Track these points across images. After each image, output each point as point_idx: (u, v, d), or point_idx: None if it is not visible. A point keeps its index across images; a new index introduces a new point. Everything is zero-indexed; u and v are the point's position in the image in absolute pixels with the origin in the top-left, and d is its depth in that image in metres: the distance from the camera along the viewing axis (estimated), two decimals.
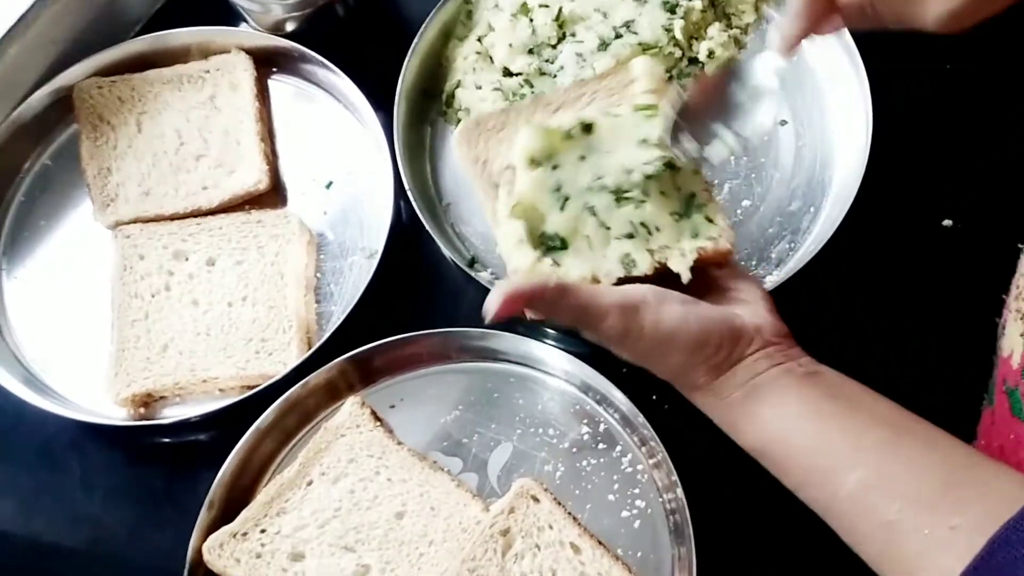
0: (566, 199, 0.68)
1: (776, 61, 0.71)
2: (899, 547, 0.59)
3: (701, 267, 0.69)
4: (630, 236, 0.68)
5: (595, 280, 0.67)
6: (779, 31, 0.70)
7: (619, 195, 0.68)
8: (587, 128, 0.71)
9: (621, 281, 0.67)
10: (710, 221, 0.70)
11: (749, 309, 0.67)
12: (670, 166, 0.69)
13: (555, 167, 0.70)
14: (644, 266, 0.67)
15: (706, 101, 0.71)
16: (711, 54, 1.01)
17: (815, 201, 0.97)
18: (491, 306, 0.62)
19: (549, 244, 0.68)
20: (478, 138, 0.71)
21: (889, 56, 0.95)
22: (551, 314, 0.64)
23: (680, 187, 0.70)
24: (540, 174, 0.69)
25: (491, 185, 0.70)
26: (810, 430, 0.64)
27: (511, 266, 0.68)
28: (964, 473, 0.60)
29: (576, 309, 0.63)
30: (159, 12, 1.16)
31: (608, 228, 0.68)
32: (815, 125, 1.01)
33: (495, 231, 0.70)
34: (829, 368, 0.67)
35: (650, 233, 0.68)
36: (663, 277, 0.68)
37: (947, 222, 0.97)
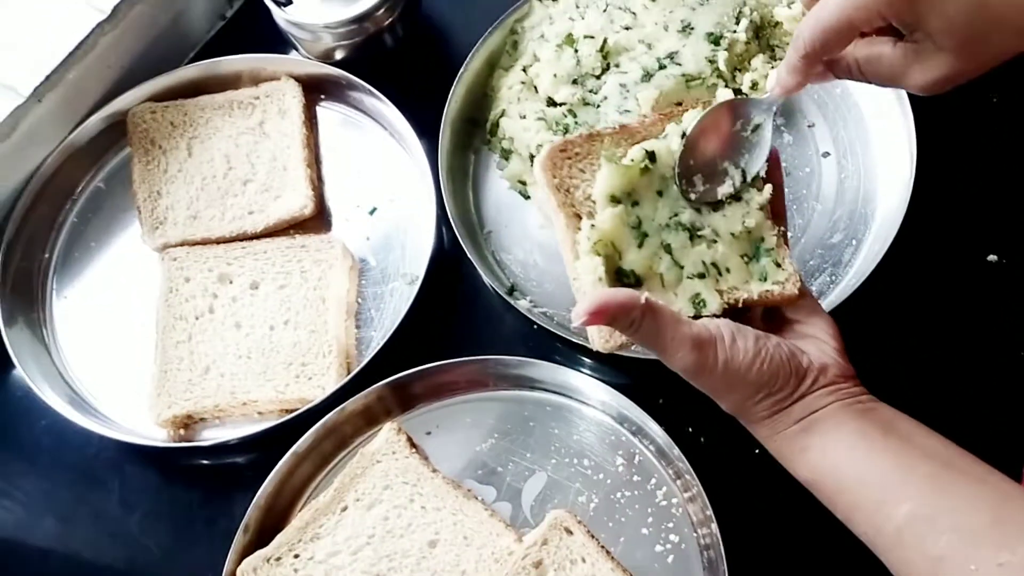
0: (644, 236, 0.69)
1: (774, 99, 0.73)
2: None
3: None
4: (701, 276, 0.69)
5: None
6: (776, 79, 0.72)
7: (693, 233, 0.69)
8: (651, 156, 0.71)
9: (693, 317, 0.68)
10: (778, 266, 0.70)
11: (817, 347, 0.69)
12: (735, 197, 0.70)
13: (635, 203, 0.70)
14: (714, 307, 0.68)
15: (713, 140, 0.72)
16: (754, 85, 1.01)
17: (857, 234, 0.96)
18: (582, 310, 0.63)
19: (624, 281, 0.68)
20: (562, 164, 0.71)
21: None
22: (632, 332, 0.64)
23: (751, 230, 0.71)
24: (621, 211, 0.69)
25: (572, 213, 0.70)
26: (862, 462, 0.65)
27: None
28: (1013, 511, 0.60)
29: (657, 334, 0.64)
30: (212, 39, 1.19)
31: (681, 267, 0.69)
32: (858, 157, 1.00)
33: (570, 260, 0.69)
34: (886, 405, 0.68)
35: (720, 274, 0.69)
36: (735, 310, 0.69)
37: (992, 257, 0.95)
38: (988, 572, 0.57)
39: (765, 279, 0.70)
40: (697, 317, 0.68)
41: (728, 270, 0.70)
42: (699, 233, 0.69)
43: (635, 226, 0.69)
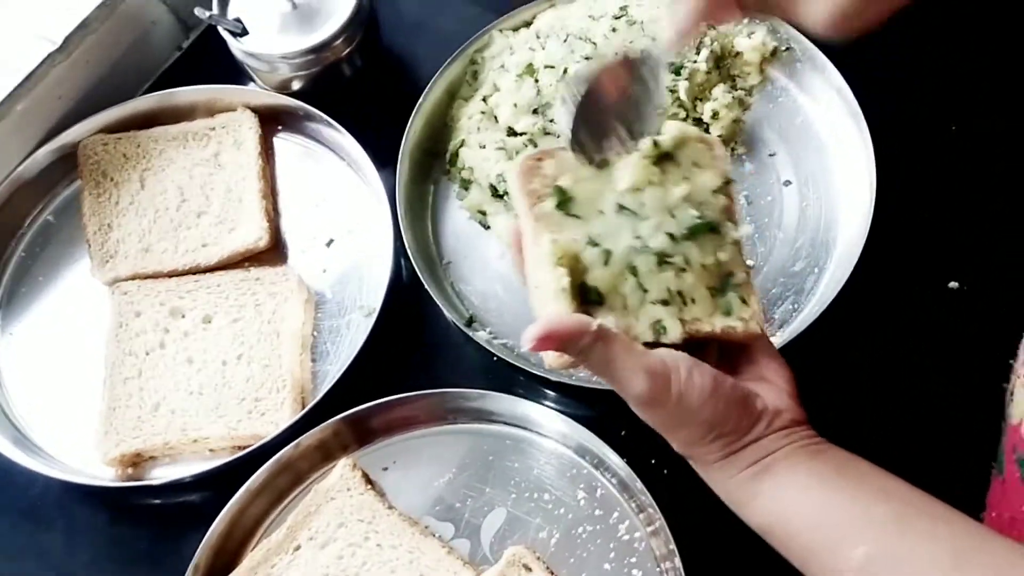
0: (609, 254, 0.66)
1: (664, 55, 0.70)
2: None
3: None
4: (665, 303, 0.66)
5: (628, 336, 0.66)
6: (673, 26, 0.68)
7: (662, 259, 0.67)
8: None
9: (650, 345, 0.66)
10: (744, 302, 0.68)
11: (771, 391, 0.66)
12: (712, 229, 0.68)
13: (600, 212, 0.67)
14: (675, 334, 0.65)
15: (603, 99, 0.68)
16: (715, 115, 1.01)
17: (819, 262, 0.96)
18: (531, 335, 0.60)
19: (587, 297, 0.66)
20: (536, 173, 0.69)
21: (893, 117, 0.94)
22: (582, 359, 0.62)
23: (722, 263, 0.69)
24: (580, 223, 0.67)
25: (537, 223, 0.68)
26: (816, 503, 0.62)
27: (543, 313, 0.66)
28: (973, 553, 0.58)
29: (608, 362, 0.61)
30: (167, 70, 1.17)
31: (646, 291, 0.66)
32: (819, 186, 1.00)
33: (531, 271, 0.67)
34: (840, 449, 0.66)
35: (685, 303, 0.66)
36: (693, 343, 0.67)
37: (953, 284, 0.94)
38: None
39: (729, 314, 0.67)
40: (656, 344, 0.66)
41: (694, 300, 0.67)
42: (669, 260, 0.67)
43: (595, 243, 0.67)
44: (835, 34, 0.66)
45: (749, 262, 0.96)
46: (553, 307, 0.64)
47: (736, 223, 0.70)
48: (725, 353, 0.69)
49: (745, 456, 0.64)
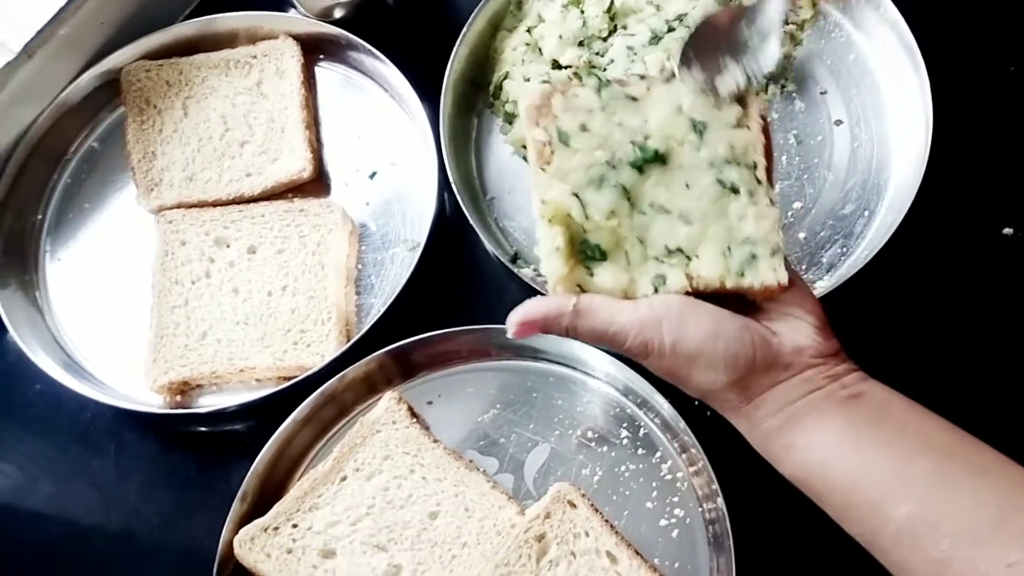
0: (612, 212, 0.65)
1: (781, 5, 0.68)
2: None
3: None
4: (670, 256, 0.65)
5: (628, 292, 0.65)
6: None
7: (669, 214, 0.65)
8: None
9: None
10: (759, 260, 0.64)
11: (793, 327, 0.64)
12: (734, 190, 0.66)
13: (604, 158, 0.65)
14: (675, 287, 0.64)
15: (716, 37, 0.68)
16: None
17: (870, 205, 0.94)
18: (511, 321, 0.63)
19: (588, 255, 0.65)
20: (547, 111, 0.67)
21: (951, 56, 0.92)
22: (571, 337, 0.63)
23: (733, 222, 0.65)
24: (579, 169, 0.65)
25: (536, 177, 0.67)
26: (851, 462, 0.61)
27: (543, 268, 0.66)
28: (1018, 503, 0.57)
29: (596, 333, 0.62)
30: None
31: (648, 247, 0.65)
32: (872, 126, 0.98)
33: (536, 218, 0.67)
34: (877, 384, 0.64)
35: (689, 259, 0.65)
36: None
37: (1007, 230, 0.93)
38: (997, 573, 0.54)
39: (743, 274, 0.64)
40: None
41: (699, 256, 0.65)
42: (675, 214, 0.66)
43: (588, 192, 0.65)
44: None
45: (796, 204, 0.95)
46: (548, 266, 0.64)
47: (761, 179, 0.66)
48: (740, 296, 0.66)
49: (769, 404, 0.63)
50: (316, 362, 0.91)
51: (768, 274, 0.64)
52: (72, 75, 1.06)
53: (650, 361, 0.63)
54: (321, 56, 1.09)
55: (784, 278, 0.64)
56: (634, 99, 0.67)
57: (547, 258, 0.64)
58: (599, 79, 0.68)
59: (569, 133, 0.66)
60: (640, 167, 0.65)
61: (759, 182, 0.66)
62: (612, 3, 0.99)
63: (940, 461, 0.59)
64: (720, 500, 0.80)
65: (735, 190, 0.65)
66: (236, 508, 0.84)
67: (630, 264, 0.65)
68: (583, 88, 0.67)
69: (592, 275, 0.64)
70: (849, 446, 0.61)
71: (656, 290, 0.64)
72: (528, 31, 1.02)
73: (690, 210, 0.65)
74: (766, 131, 0.67)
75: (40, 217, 1.05)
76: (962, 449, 0.60)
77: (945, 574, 0.56)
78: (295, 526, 0.84)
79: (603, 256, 0.64)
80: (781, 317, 0.64)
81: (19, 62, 1.00)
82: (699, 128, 0.66)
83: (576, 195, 0.65)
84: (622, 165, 0.65)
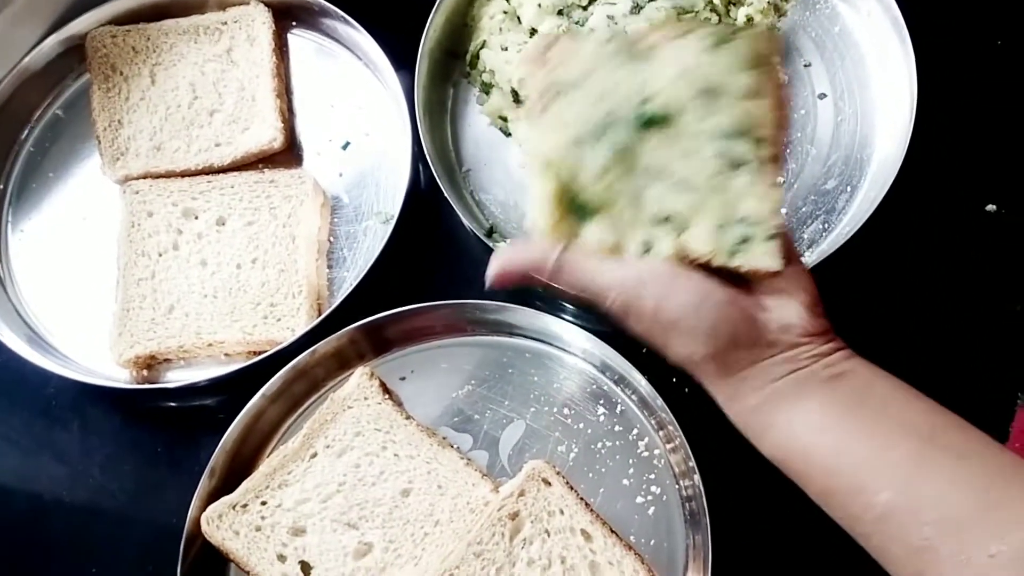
0: (606, 169, 0.63)
1: None
2: (935, 575, 0.55)
3: None
4: (662, 223, 0.62)
5: (614, 250, 0.63)
6: None
7: (667, 180, 0.63)
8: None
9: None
10: (752, 243, 0.61)
11: (782, 303, 0.62)
12: (738, 165, 0.62)
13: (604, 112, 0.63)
14: (662, 255, 0.62)
15: None
16: (749, 20, 0.97)
17: (852, 180, 0.93)
18: (489, 274, 0.62)
19: (577, 212, 0.63)
20: (543, 62, 0.65)
21: (937, 29, 0.90)
22: (553, 289, 0.62)
23: (731, 198, 0.62)
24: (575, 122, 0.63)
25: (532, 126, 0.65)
26: (831, 445, 0.59)
27: (532, 216, 0.64)
28: (1001, 490, 0.56)
29: (578, 285, 0.62)
30: None
31: (642, 211, 0.63)
32: (856, 100, 0.96)
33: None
34: (861, 362, 0.62)
35: (682, 228, 0.62)
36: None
37: (991, 207, 0.92)
38: (980, 564, 0.53)
39: (734, 255, 0.61)
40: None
41: (692, 228, 0.62)
42: (672, 181, 0.64)
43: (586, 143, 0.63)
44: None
45: (779, 179, 0.94)
46: (537, 214, 0.62)
47: (769, 157, 0.62)
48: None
49: (751, 380, 0.61)
50: (286, 336, 0.89)
51: (760, 259, 0.61)
52: (35, 40, 1.04)
53: (629, 323, 0.62)
54: (293, 23, 1.07)
55: (776, 265, 0.61)
56: (641, 56, 0.64)
57: (537, 206, 0.62)
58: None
59: (569, 83, 0.64)
60: (641, 127, 0.63)
61: (766, 160, 0.62)
62: None
63: (922, 446, 0.58)
64: (697, 477, 0.79)
65: (739, 165, 0.62)
66: (204, 484, 0.83)
67: (621, 224, 0.63)
68: (587, 40, 0.65)
69: (581, 229, 0.62)
70: (829, 431, 0.60)
71: (642, 254, 0.62)
72: None
73: (688, 179, 0.62)
74: (782, 100, 0.63)
75: (1, 187, 1.02)
76: (945, 432, 0.59)
77: (926, 562, 0.55)
78: (264, 503, 0.82)
79: (594, 213, 0.62)
80: (773, 292, 0.62)
81: None
82: (708, 93, 0.63)
83: (572, 147, 0.63)
84: (622, 122, 0.63)
